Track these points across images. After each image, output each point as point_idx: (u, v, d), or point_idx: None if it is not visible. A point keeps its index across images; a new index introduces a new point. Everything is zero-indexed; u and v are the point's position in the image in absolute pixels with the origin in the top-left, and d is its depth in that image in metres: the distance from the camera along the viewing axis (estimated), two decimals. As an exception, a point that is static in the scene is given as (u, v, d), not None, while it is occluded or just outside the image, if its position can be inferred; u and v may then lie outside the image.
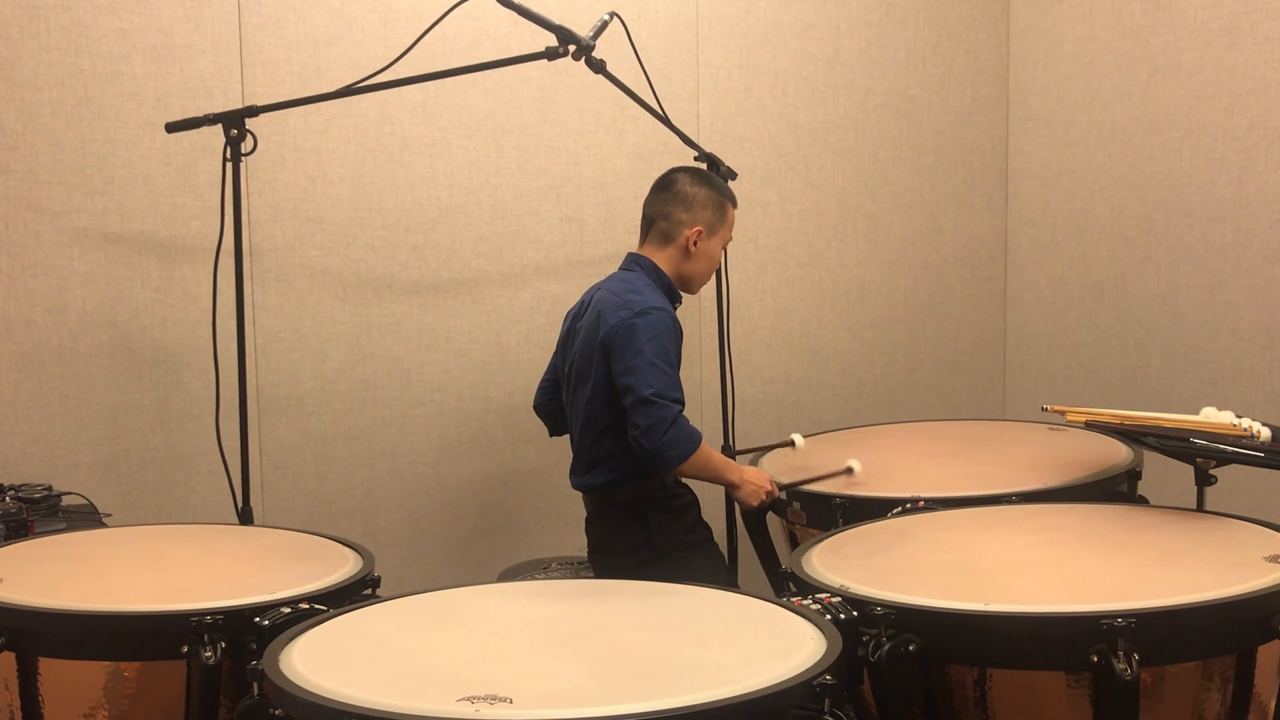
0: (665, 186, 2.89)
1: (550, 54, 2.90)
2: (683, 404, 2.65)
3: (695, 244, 2.83)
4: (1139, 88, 3.73)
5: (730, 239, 2.97)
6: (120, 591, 2.12)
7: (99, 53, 3.15)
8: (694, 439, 2.65)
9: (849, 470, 2.80)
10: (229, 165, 2.95)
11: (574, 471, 2.88)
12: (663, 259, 2.85)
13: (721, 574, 2.86)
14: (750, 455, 3.13)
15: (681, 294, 2.93)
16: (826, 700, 1.60)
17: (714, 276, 3.55)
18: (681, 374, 3.82)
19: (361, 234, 3.43)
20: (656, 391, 2.59)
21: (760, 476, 2.77)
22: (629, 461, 2.72)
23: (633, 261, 2.89)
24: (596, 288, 2.88)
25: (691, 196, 2.85)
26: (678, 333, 2.72)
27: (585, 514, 2.93)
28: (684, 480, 2.85)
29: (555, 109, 3.60)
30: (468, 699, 1.55)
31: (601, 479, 2.80)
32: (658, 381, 2.60)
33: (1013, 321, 4.26)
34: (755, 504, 2.75)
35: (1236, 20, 3.44)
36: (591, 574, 2.94)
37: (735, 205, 2.94)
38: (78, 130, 3.14)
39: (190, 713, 1.96)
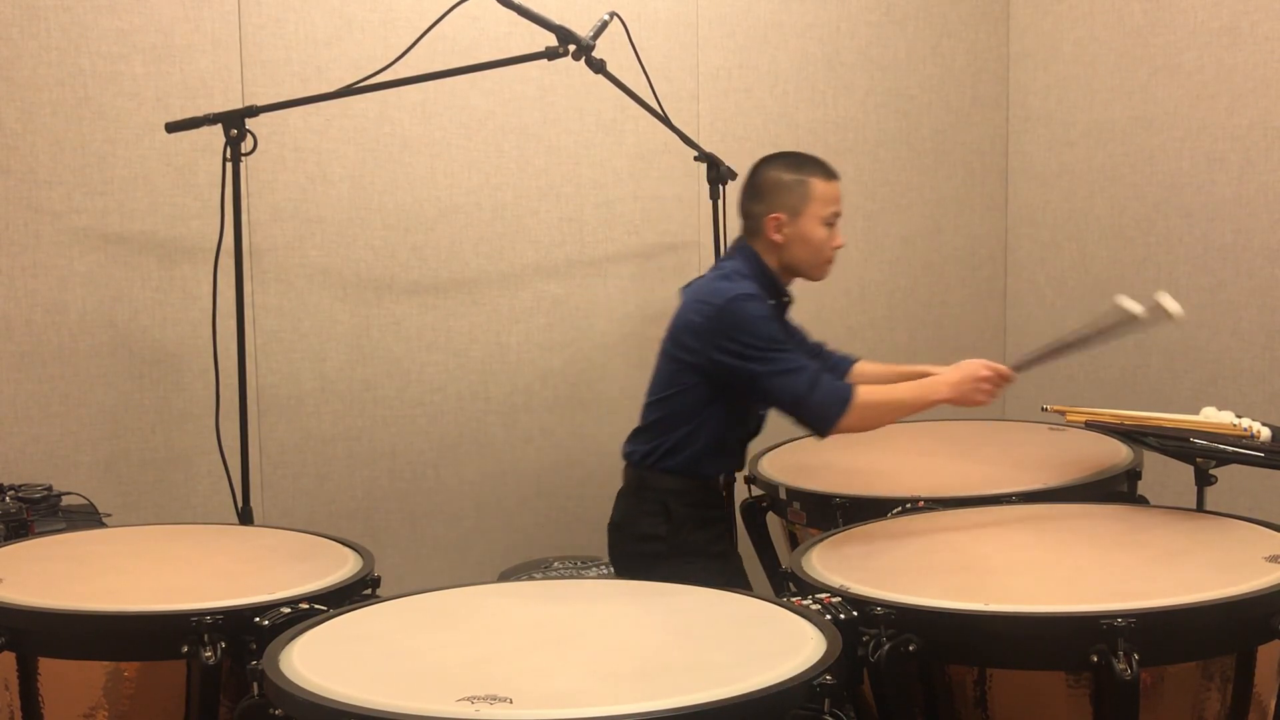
0: (745, 181, 2.78)
1: (550, 54, 2.90)
2: (813, 368, 2.55)
3: (781, 231, 2.68)
4: (1139, 88, 3.73)
5: (833, 213, 2.70)
6: (120, 591, 2.11)
7: (99, 53, 3.15)
8: (844, 391, 2.53)
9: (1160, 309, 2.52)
10: (229, 165, 2.95)
11: (629, 438, 2.82)
12: (761, 252, 2.73)
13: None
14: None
15: (785, 284, 2.77)
16: (826, 700, 1.60)
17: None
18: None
19: (361, 234, 3.43)
20: (785, 368, 2.52)
21: (972, 368, 2.59)
22: (669, 443, 2.67)
23: (736, 250, 2.76)
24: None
25: (761, 184, 2.71)
26: (770, 315, 2.61)
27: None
28: (708, 505, 2.75)
29: (555, 109, 3.60)
30: (468, 699, 1.55)
31: (641, 447, 2.74)
32: (781, 363, 2.53)
33: (1013, 321, 4.25)
34: (985, 400, 2.59)
35: (1236, 20, 3.44)
36: (593, 571, 2.93)
37: (831, 177, 2.71)
38: (78, 130, 3.14)
39: (190, 713, 1.96)
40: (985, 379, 2.59)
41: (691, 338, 2.62)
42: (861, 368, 3.04)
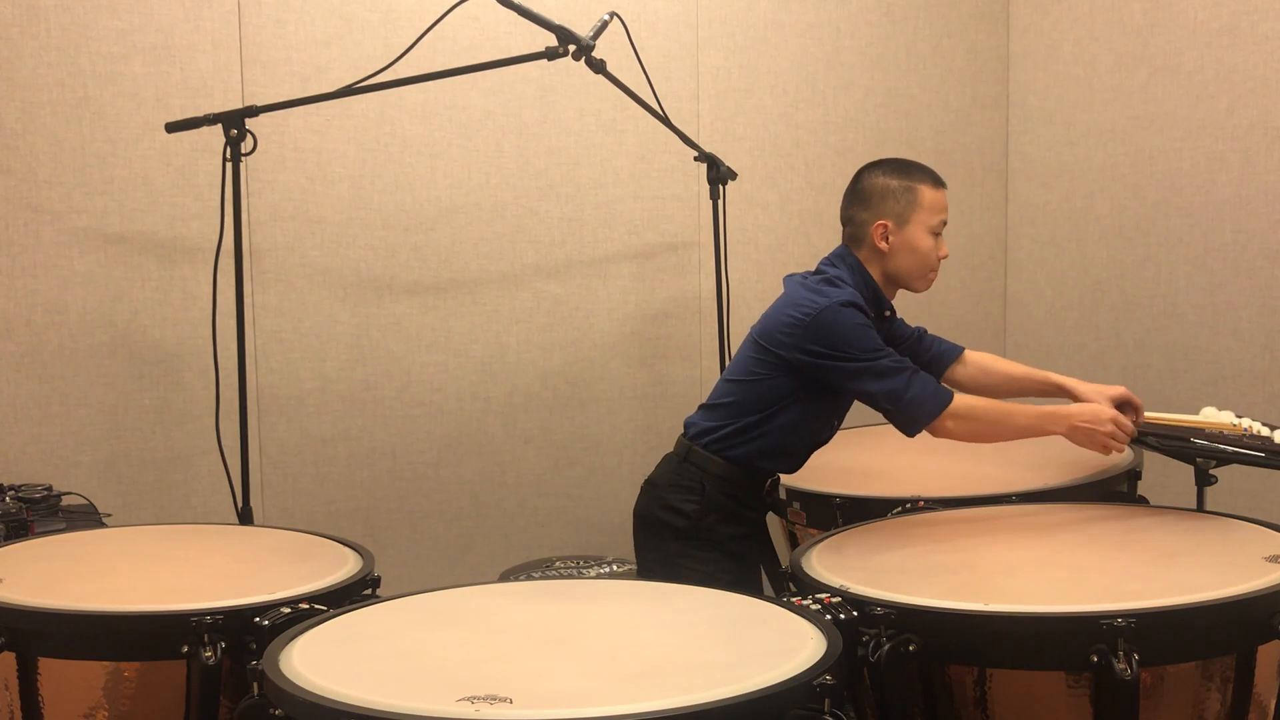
0: (850, 187, 2.73)
1: (550, 54, 2.90)
2: (912, 368, 2.50)
3: (887, 240, 2.62)
4: (1139, 88, 3.74)
5: (940, 222, 2.65)
6: (120, 591, 2.11)
7: (99, 53, 3.15)
8: (943, 396, 2.47)
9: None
10: (229, 165, 2.95)
11: (696, 409, 2.76)
12: (864, 260, 2.67)
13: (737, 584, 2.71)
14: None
15: (889, 297, 2.70)
16: (826, 700, 1.60)
17: (715, 276, 3.56)
18: (681, 374, 3.84)
19: (361, 234, 3.43)
20: (883, 363, 2.48)
21: (1101, 415, 2.45)
22: (731, 429, 2.62)
23: (838, 258, 2.68)
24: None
25: (869, 191, 2.66)
26: (869, 324, 2.56)
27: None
28: (744, 500, 2.68)
29: (555, 109, 3.60)
30: (468, 699, 1.55)
31: (701, 423, 2.68)
32: (880, 363, 2.49)
33: (1013, 321, 4.25)
34: (1102, 449, 2.48)
35: (1236, 20, 3.44)
36: (594, 570, 2.92)
37: (939, 185, 2.67)
38: (78, 130, 3.14)
39: (190, 713, 1.96)
40: (1106, 433, 2.46)
41: (785, 333, 2.56)
42: (982, 360, 2.93)
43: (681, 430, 2.74)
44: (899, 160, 2.72)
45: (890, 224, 2.62)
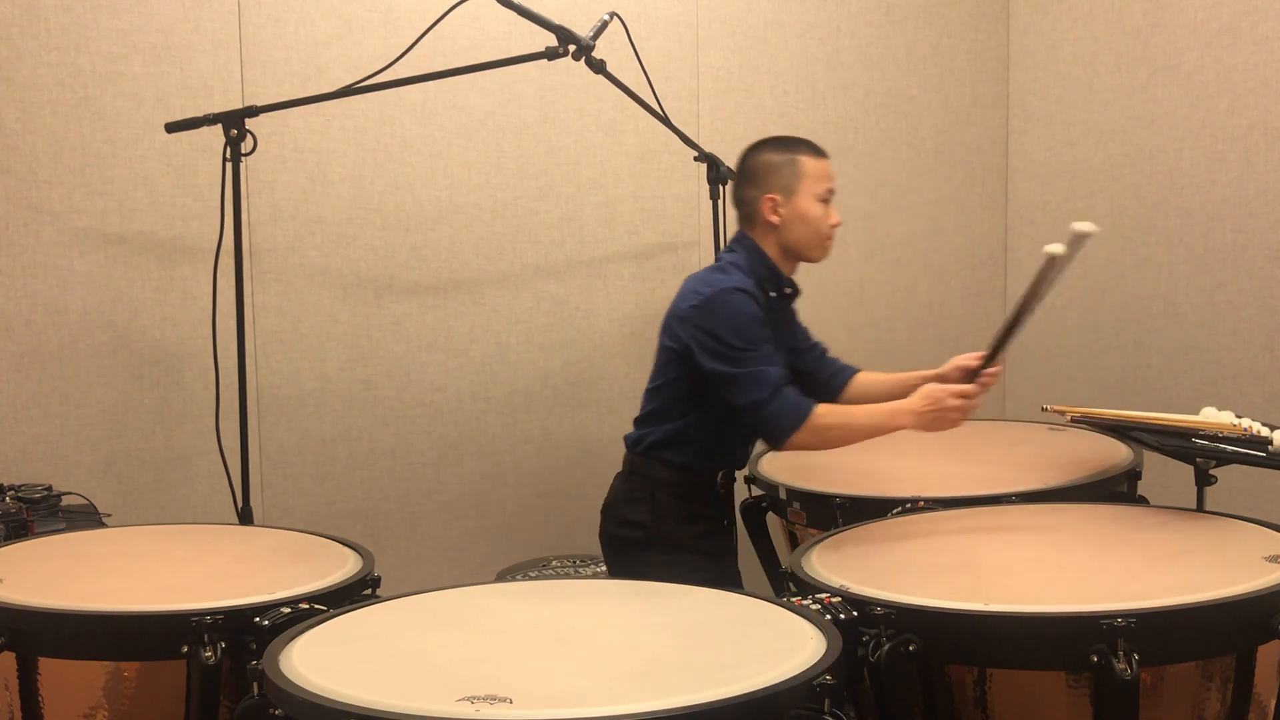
0: (736, 171, 2.76)
1: (550, 54, 2.90)
2: (778, 383, 2.50)
3: (777, 213, 2.64)
4: (1139, 88, 3.74)
5: (827, 190, 2.67)
6: (120, 591, 2.11)
7: (99, 53, 3.15)
8: (802, 409, 2.49)
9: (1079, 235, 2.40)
10: (229, 165, 2.95)
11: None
12: (759, 239, 2.69)
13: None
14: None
15: (788, 273, 2.72)
16: (826, 700, 1.60)
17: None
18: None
19: (361, 234, 3.43)
20: (749, 373, 2.50)
21: (936, 394, 2.48)
22: (660, 434, 2.66)
23: (736, 242, 2.72)
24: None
25: (753, 168, 2.70)
26: (756, 313, 2.57)
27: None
28: (696, 499, 2.71)
29: (555, 109, 3.60)
30: (468, 699, 1.55)
31: (636, 433, 2.72)
32: (748, 368, 2.50)
33: (1013, 321, 4.25)
34: (954, 425, 2.49)
35: (1236, 20, 3.44)
36: (589, 569, 2.92)
37: (820, 154, 2.69)
38: (78, 130, 3.14)
39: (190, 713, 1.96)
40: (951, 408, 2.49)
41: (678, 326, 2.61)
42: (864, 379, 2.97)
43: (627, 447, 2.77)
44: (779, 137, 2.76)
45: (779, 197, 2.66)
